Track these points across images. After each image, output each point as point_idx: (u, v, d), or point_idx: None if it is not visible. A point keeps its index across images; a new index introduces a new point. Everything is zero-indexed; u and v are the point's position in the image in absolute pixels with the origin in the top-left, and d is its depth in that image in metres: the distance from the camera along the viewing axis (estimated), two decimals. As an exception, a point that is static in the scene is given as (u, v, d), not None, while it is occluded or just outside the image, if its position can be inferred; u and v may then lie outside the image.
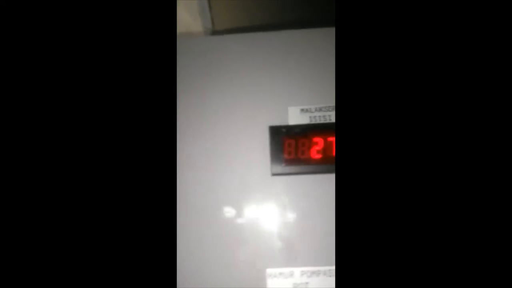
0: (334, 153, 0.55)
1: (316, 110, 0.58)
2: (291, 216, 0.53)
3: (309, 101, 0.58)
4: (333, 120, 0.57)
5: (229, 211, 0.53)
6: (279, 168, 0.54)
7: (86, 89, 0.29)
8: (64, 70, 0.29)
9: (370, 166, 0.27)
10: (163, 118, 0.30)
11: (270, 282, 0.50)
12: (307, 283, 0.50)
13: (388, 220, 0.26)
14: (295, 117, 0.58)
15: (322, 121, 0.57)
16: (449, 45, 0.27)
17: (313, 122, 0.57)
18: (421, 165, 0.27)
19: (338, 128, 0.29)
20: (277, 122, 0.57)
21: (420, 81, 0.27)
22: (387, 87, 0.28)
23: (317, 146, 0.55)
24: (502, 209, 0.25)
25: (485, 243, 0.25)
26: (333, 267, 0.50)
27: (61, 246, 0.27)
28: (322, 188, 0.54)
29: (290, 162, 0.54)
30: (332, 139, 0.55)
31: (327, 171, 0.54)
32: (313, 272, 0.51)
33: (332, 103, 0.58)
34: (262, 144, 0.56)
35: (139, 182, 0.29)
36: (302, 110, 0.58)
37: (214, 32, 0.68)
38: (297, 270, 0.51)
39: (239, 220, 0.53)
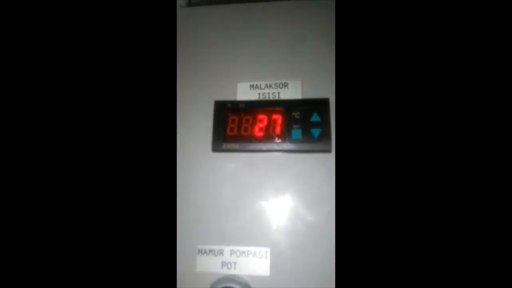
0: (277, 131, 0.52)
1: (266, 86, 0.55)
2: (227, 194, 0.52)
3: (260, 77, 0.56)
4: (282, 97, 0.54)
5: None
6: (220, 144, 0.53)
7: None
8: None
9: (368, 154, 0.27)
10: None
11: (199, 258, 0.49)
12: (235, 262, 0.49)
13: (387, 214, 0.26)
14: (244, 93, 0.55)
15: (271, 97, 0.54)
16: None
17: (262, 98, 0.55)
18: (418, 159, 0.27)
19: (338, 116, 0.31)
20: (226, 97, 0.55)
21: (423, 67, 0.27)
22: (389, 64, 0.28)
23: (261, 124, 0.53)
24: (496, 204, 0.25)
25: (479, 236, 0.25)
26: (263, 248, 0.48)
27: (59, 244, 0.27)
28: (262, 166, 0.52)
29: (232, 139, 0.53)
30: (276, 116, 0.53)
31: (268, 149, 0.52)
32: (242, 252, 0.49)
33: (283, 79, 0.55)
34: (207, 119, 0.54)
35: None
36: (251, 86, 0.55)
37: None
38: (227, 249, 0.49)
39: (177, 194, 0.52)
